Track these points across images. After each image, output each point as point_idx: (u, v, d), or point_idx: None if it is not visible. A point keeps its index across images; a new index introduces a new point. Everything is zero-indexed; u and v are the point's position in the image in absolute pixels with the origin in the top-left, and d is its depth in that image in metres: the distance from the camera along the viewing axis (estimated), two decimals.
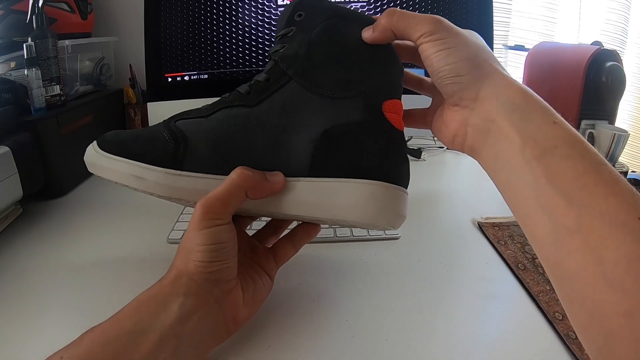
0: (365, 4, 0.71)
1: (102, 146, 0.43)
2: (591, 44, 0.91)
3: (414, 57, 0.43)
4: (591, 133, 0.87)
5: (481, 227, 0.66)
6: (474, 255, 0.60)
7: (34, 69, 0.73)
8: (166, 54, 0.71)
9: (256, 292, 0.43)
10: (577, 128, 0.87)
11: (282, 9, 0.70)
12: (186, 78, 0.71)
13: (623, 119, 1.29)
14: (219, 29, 0.70)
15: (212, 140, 0.41)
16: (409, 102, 0.46)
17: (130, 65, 1.01)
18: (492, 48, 0.78)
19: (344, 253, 0.59)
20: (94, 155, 0.43)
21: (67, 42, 0.84)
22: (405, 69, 0.45)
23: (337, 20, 0.42)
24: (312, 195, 0.40)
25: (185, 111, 0.44)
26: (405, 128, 0.44)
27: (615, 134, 0.83)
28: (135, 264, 0.57)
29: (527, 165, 0.31)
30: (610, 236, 0.26)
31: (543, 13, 1.17)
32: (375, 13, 0.71)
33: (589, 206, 0.27)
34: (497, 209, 0.70)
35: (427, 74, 0.40)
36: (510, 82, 0.35)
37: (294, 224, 0.52)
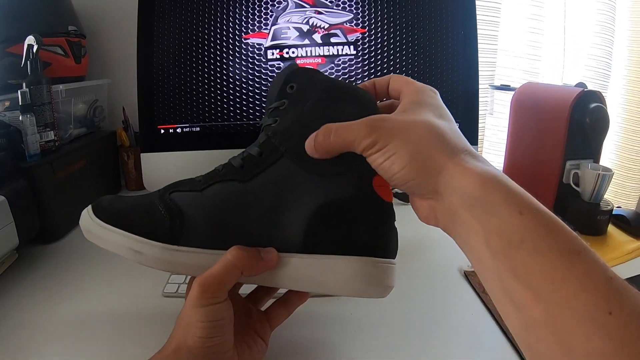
0: (353, 56, 0.72)
1: (97, 214, 0.44)
2: (575, 85, 0.93)
3: None
4: (576, 173, 0.88)
5: (467, 275, 0.67)
6: (460, 305, 0.61)
7: (28, 116, 0.74)
8: (159, 105, 0.72)
9: (252, 358, 0.44)
10: (562, 168, 0.89)
11: (271, 63, 0.72)
12: (178, 130, 0.73)
13: (608, 156, 1.31)
14: (210, 82, 0.71)
15: (208, 216, 0.42)
16: None
17: (123, 107, 1.02)
18: (477, 89, 0.79)
19: (334, 308, 0.60)
20: (90, 223, 0.43)
21: (61, 86, 0.85)
22: None
23: (328, 95, 0.43)
24: (305, 271, 0.41)
25: (179, 182, 0.45)
26: None
27: (599, 173, 0.84)
28: (131, 316, 0.58)
29: (493, 258, 0.31)
30: (579, 330, 0.26)
31: (528, 51, 1.19)
32: (364, 63, 0.73)
33: (557, 301, 0.27)
34: None
35: None
36: (466, 171, 0.34)
37: None
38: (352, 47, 0.72)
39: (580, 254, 0.28)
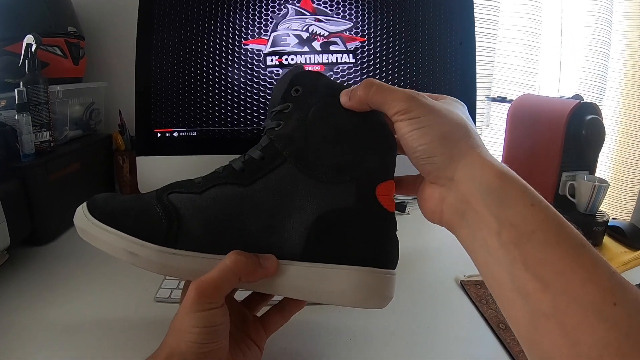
0: (352, 65, 0.72)
1: (92, 212, 0.42)
2: (572, 97, 0.94)
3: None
4: (572, 185, 0.89)
5: (463, 285, 0.67)
6: (456, 315, 0.61)
7: (24, 114, 0.74)
8: (156, 109, 0.72)
9: None
10: (558, 180, 0.90)
11: (270, 69, 0.72)
12: (175, 134, 0.72)
13: (603, 168, 1.32)
14: (208, 87, 0.71)
15: (206, 220, 0.41)
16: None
17: (120, 111, 1.02)
18: (475, 100, 0.80)
19: (329, 316, 0.59)
20: (84, 222, 0.42)
21: (58, 87, 0.84)
22: None
23: (333, 100, 0.42)
24: (304, 280, 0.41)
25: (177, 182, 0.44)
26: None
27: (595, 185, 0.85)
28: (122, 322, 0.57)
29: (504, 249, 0.32)
30: (586, 321, 0.27)
31: (524, 64, 1.20)
32: (362, 72, 0.73)
33: (565, 292, 0.28)
34: None
35: None
36: (487, 162, 0.35)
37: None
38: (351, 55, 0.72)
39: (586, 247, 0.30)
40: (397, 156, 0.44)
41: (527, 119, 0.98)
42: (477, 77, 0.78)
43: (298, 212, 0.41)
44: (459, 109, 0.40)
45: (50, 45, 0.87)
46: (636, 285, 0.28)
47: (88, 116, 0.98)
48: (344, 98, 0.41)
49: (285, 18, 0.72)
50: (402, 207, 0.95)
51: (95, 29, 1.06)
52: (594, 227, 0.86)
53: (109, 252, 0.41)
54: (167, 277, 0.66)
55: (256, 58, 0.71)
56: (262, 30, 0.71)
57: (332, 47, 0.72)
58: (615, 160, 1.32)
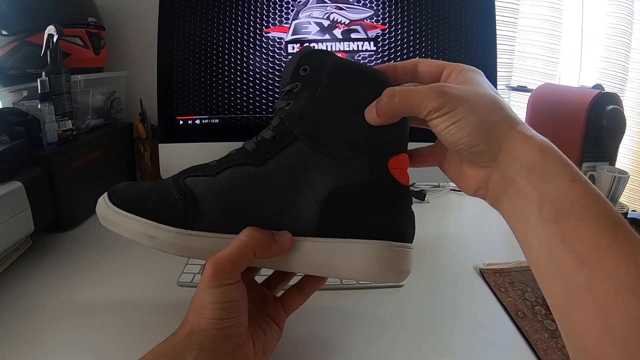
0: (372, 52, 0.72)
1: (113, 201, 0.44)
2: (592, 87, 0.92)
3: (422, 122, 0.42)
4: (592, 175, 0.88)
5: (483, 273, 0.67)
6: (475, 303, 0.61)
7: (47, 104, 0.75)
8: (178, 97, 0.72)
9: (266, 343, 0.44)
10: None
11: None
12: (197, 122, 0.73)
13: (623, 160, 1.30)
14: (229, 74, 0.72)
15: (221, 201, 0.42)
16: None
17: (140, 100, 1.03)
18: (496, 89, 0.79)
19: (349, 301, 0.60)
20: (105, 210, 0.44)
21: (79, 77, 0.86)
22: None
23: (341, 76, 0.43)
24: (319, 255, 0.41)
25: (193, 167, 0.45)
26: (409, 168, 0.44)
27: (615, 176, 0.84)
28: (145, 306, 0.58)
29: (543, 224, 0.32)
30: (618, 297, 0.27)
31: (545, 54, 1.19)
32: (383, 59, 0.73)
33: (600, 267, 0.28)
34: (499, 254, 0.71)
35: None
36: (528, 139, 0.35)
37: None
38: (372, 43, 0.72)
39: (622, 225, 0.30)
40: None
41: (547, 108, 0.97)
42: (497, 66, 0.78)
43: (311, 188, 0.41)
44: (481, 84, 0.39)
45: (71, 35, 0.88)
46: None
47: (109, 105, 0.99)
48: (370, 116, 0.41)
49: (306, 6, 0.72)
50: (421, 196, 0.94)
51: (115, 19, 1.07)
52: None
53: (129, 237, 0.43)
54: (189, 262, 0.67)
55: (277, 46, 0.72)
56: (283, 18, 0.71)
57: (353, 35, 0.72)
58: (635, 152, 1.30)
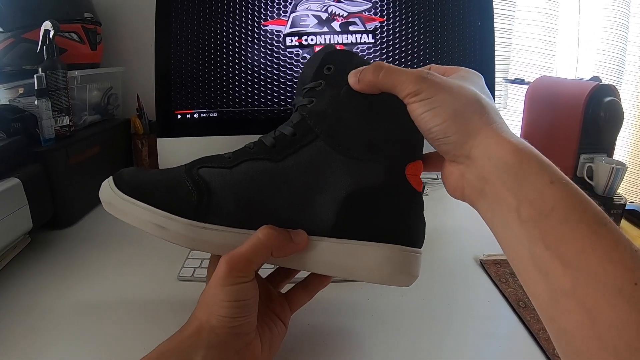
0: (371, 45, 0.72)
1: (119, 186, 0.42)
2: (590, 79, 0.93)
3: None
4: (590, 167, 0.88)
5: (483, 264, 0.67)
6: (476, 294, 0.61)
7: (44, 100, 0.74)
8: (176, 91, 0.72)
9: (272, 340, 0.44)
10: (576, 162, 0.89)
11: (290, 50, 0.72)
12: (196, 115, 0.73)
13: (621, 152, 1.31)
14: (228, 68, 0.72)
15: (237, 195, 0.41)
16: None
17: (137, 95, 1.02)
18: (493, 82, 0.79)
19: (351, 293, 0.60)
20: (110, 195, 0.42)
21: (76, 72, 0.85)
22: None
23: None
24: (333, 256, 0.41)
25: (207, 157, 0.44)
26: None
27: (613, 167, 0.84)
28: (145, 301, 0.58)
29: (523, 227, 0.31)
30: (605, 300, 0.26)
31: (542, 46, 1.19)
32: (382, 52, 0.73)
33: (585, 270, 0.27)
34: (499, 245, 0.71)
35: None
36: (502, 138, 0.34)
37: None
38: (370, 35, 0.72)
39: (607, 225, 0.29)
40: None
41: (544, 101, 0.97)
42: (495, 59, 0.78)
43: (328, 188, 0.41)
44: (473, 82, 0.39)
45: (68, 31, 0.87)
46: None
47: (106, 101, 0.99)
48: (352, 79, 0.41)
49: None
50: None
51: (111, 15, 1.07)
52: (612, 210, 0.85)
53: (137, 226, 0.41)
54: (189, 257, 0.66)
55: (275, 39, 0.71)
56: (281, 11, 0.71)
57: (351, 28, 0.72)
58: (633, 144, 1.31)
